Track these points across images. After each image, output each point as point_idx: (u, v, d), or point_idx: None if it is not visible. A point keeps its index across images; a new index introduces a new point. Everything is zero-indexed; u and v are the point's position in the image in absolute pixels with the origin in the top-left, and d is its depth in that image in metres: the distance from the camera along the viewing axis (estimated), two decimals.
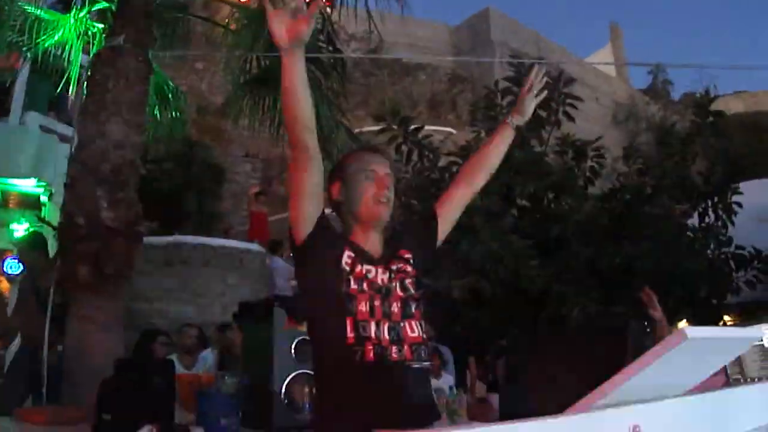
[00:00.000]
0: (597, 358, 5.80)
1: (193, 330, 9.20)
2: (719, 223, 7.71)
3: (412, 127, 7.39)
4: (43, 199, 14.37)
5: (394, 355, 2.83)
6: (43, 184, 14.14)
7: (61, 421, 5.93)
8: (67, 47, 9.90)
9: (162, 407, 5.54)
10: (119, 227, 7.92)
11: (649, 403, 1.57)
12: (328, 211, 3.00)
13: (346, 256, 2.92)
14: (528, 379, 7.13)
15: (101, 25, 9.53)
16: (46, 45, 9.79)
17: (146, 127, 9.23)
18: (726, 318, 8.53)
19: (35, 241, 8.50)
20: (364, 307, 2.84)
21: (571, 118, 7.28)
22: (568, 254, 6.87)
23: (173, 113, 11.34)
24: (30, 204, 14.51)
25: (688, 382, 2.01)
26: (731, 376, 3.38)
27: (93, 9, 9.76)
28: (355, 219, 3.08)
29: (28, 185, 14.26)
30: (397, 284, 2.99)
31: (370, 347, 2.79)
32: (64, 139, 14.06)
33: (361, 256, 2.97)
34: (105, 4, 9.48)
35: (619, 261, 6.89)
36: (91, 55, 9.01)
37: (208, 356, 9.09)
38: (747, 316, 8.28)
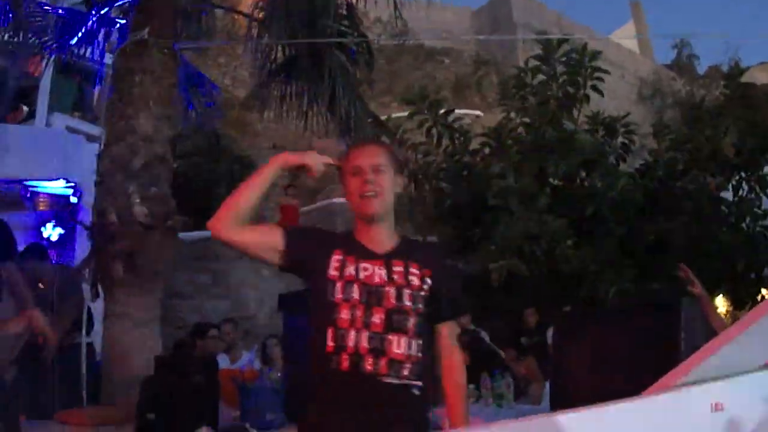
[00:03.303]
0: (641, 336, 5.74)
1: (232, 325, 9.24)
2: (753, 195, 7.61)
3: (442, 110, 7.32)
4: (73, 199, 14.37)
5: (368, 367, 2.84)
6: (72, 184, 14.13)
7: (102, 422, 5.92)
8: (90, 45, 9.90)
9: (206, 405, 5.55)
10: (153, 223, 7.91)
11: (732, 380, 1.51)
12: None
13: (334, 261, 2.99)
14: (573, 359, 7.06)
15: (124, 21, 9.52)
16: (69, 44, 9.79)
17: (176, 120, 9.21)
18: (764, 291, 8.43)
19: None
20: (346, 315, 2.89)
21: (599, 92, 7.20)
22: (603, 232, 6.80)
23: (204, 104, 11.35)
24: (60, 206, 14.53)
25: None
26: None
27: (115, 5, 9.74)
28: (355, 215, 3.13)
29: (56, 187, 14.26)
30: (393, 291, 2.96)
31: (346, 357, 2.84)
32: (90, 138, 14.08)
33: (357, 253, 3.01)
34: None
35: (654, 237, 6.81)
36: (116, 50, 8.99)
37: (251, 351, 9.13)
38: None
